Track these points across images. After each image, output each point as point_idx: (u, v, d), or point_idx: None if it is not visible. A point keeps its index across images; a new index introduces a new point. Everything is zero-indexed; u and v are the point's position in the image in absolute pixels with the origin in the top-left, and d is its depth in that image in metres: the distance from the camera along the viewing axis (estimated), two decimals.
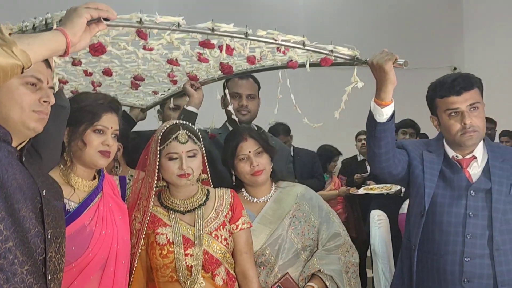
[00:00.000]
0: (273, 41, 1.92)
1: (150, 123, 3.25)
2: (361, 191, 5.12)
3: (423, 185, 2.26)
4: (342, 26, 7.38)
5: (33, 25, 1.68)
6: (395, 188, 4.51)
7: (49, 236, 1.51)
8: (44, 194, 1.54)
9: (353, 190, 5.46)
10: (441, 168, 2.27)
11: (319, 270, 2.28)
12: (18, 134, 1.51)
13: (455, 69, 7.82)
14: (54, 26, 1.55)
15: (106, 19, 1.52)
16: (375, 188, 4.93)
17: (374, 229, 4.11)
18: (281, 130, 5.11)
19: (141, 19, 1.65)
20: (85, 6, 1.47)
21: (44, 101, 1.53)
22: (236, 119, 2.74)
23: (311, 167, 5.30)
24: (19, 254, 1.40)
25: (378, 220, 4.11)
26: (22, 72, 1.31)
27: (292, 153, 5.19)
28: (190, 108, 2.66)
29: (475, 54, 8.04)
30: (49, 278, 1.49)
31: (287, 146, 5.03)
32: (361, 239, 5.49)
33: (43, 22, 1.63)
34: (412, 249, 2.27)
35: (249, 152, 2.37)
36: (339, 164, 6.30)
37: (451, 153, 2.29)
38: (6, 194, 1.40)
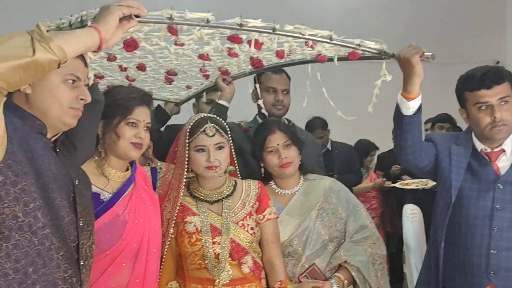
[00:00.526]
0: (300, 35, 1.96)
1: (185, 117, 3.34)
2: (397, 185, 5.10)
3: (449, 178, 2.27)
4: (380, 22, 7.28)
5: (70, 23, 1.76)
6: (431, 183, 4.48)
7: (81, 224, 1.59)
8: (76, 184, 1.63)
9: (388, 183, 5.45)
10: (469, 161, 2.27)
11: (346, 261, 2.31)
12: (53, 128, 1.60)
13: (497, 62, 7.64)
14: (89, 23, 1.62)
15: (137, 16, 1.59)
16: (411, 183, 4.91)
17: (406, 223, 4.11)
18: (319, 124, 5.12)
19: (171, 16, 1.72)
20: (117, 4, 1.54)
21: (81, 99, 1.61)
22: (266, 113, 2.78)
23: (348, 161, 5.28)
24: (55, 241, 1.48)
25: (411, 214, 4.11)
26: (58, 67, 1.39)
27: (330, 147, 5.22)
28: (221, 102, 2.72)
29: None
30: (82, 263, 1.58)
31: (323, 140, 5.06)
32: (396, 234, 5.48)
33: (79, 20, 1.71)
34: (438, 242, 2.28)
35: (278, 144, 2.41)
36: (376, 159, 6.27)
37: (479, 146, 2.29)
38: (43, 183, 1.48)
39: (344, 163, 5.19)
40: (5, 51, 1.28)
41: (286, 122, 2.94)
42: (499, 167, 2.25)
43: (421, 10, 7.72)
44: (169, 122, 3.40)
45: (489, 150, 2.28)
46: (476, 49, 7.72)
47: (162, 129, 3.34)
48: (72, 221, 1.56)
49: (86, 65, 1.67)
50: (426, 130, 5.27)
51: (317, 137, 4.89)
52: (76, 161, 1.82)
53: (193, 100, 3.36)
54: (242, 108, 2.91)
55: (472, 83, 2.23)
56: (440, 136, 2.44)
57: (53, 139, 1.63)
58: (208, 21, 1.77)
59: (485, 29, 7.95)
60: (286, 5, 6.90)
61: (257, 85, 2.82)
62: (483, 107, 2.21)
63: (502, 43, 8.18)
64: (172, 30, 1.81)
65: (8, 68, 1.27)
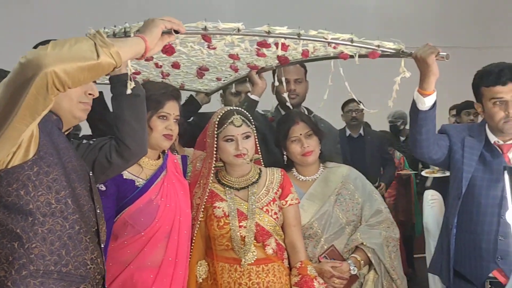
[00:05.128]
0: (324, 39, 2.12)
1: (214, 106, 3.53)
2: (423, 174, 5.24)
3: (461, 170, 2.41)
4: (415, 5, 7.18)
5: (113, 32, 1.93)
6: None
7: (98, 211, 1.77)
8: (91, 174, 1.81)
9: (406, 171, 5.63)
10: (481, 153, 2.41)
11: (362, 243, 2.49)
12: (65, 122, 1.78)
13: None
14: (132, 35, 1.81)
15: (176, 32, 1.78)
16: (436, 171, 5.02)
17: (427, 209, 4.25)
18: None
19: (205, 27, 1.90)
20: (161, 18, 1.73)
21: (89, 94, 1.79)
22: (290, 106, 2.95)
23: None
24: (82, 225, 1.66)
25: (431, 200, 4.24)
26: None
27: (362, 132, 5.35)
28: (253, 96, 2.90)
29: None
30: (102, 246, 1.76)
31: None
32: (410, 222, 5.70)
33: (123, 30, 1.89)
34: (449, 229, 2.45)
35: (300, 134, 2.59)
36: None
37: (492, 138, 2.42)
38: (67, 174, 1.66)
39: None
40: (74, 53, 1.43)
41: (306, 111, 3.12)
42: (510, 159, 2.39)
43: None
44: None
45: (501, 142, 2.41)
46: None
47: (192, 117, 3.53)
48: (91, 208, 1.74)
49: None
50: (453, 115, 5.41)
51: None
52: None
53: (221, 91, 3.55)
54: (267, 99, 3.09)
55: (488, 79, 2.37)
56: (454, 128, 2.56)
57: (66, 133, 1.81)
58: (239, 30, 1.94)
59: None
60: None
61: (283, 79, 2.97)
62: (498, 103, 2.36)
63: None
64: (206, 38, 1.98)
65: (76, 68, 1.42)
